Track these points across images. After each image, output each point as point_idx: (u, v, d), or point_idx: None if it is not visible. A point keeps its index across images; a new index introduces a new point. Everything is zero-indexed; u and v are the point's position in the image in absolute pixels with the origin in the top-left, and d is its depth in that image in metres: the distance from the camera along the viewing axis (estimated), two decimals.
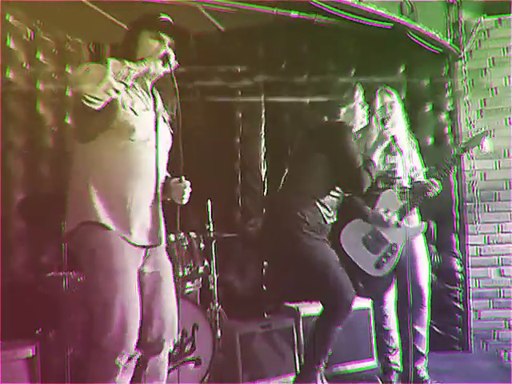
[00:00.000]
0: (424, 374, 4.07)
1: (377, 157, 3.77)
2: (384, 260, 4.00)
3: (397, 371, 4.16)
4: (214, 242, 4.66)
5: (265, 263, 5.39)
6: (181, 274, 4.24)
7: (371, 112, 3.97)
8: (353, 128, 3.80)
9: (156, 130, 2.81)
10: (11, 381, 3.38)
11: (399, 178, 4.08)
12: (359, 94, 3.84)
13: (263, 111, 5.60)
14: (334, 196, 3.73)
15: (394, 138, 3.81)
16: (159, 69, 2.74)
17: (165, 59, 2.73)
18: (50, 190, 4.64)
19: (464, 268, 5.21)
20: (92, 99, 2.48)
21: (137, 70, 2.63)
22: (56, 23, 4.73)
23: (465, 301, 5.20)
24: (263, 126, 5.60)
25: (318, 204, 3.66)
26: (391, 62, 5.35)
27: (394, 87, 4.31)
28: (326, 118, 3.96)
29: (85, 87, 2.47)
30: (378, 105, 4.02)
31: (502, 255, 5.19)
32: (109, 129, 2.67)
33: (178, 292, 4.11)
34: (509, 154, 5.22)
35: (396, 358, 4.16)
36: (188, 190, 2.84)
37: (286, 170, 4.06)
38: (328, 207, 3.70)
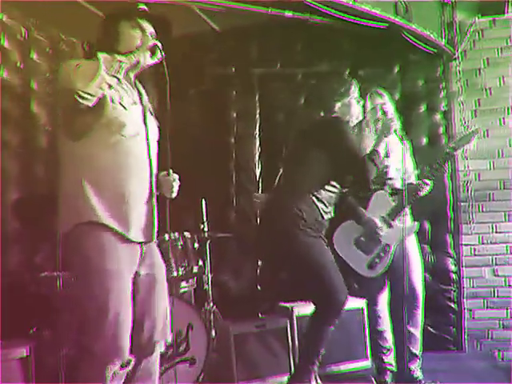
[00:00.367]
0: (418, 374, 4.09)
1: (382, 148, 3.76)
2: (377, 261, 4.02)
3: (391, 371, 4.17)
4: (209, 241, 4.67)
5: (259, 263, 5.40)
6: (175, 273, 4.23)
7: (363, 112, 4.00)
8: (349, 123, 3.81)
9: (145, 123, 2.80)
10: (5, 381, 3.38)
11: (391, 179, 4.09)
12: (355, 90, 3.85)
13: (258, 111, 5.60)
14: (330, 191, 3.73)
15: (396, 132, 3.83)
16: (148, 60, 2.73)
17: (153, 50, 2.72)
18: (45, 189, 4.63)
19: (458, 268, 5.23)
20: (86, 95, 2.46)
21: (128, 63, 2.63)
22: (50, 22, 4.72)
23: (459, 301, 5.22)
24: (258, 125, 5.60)
25: (314, 199, 3.65)
26: (386, 62, 5.37)
27: (389, 87, 4.33)
28: (321, 114, 3.96)
29: (78, 83, 2.45)
30: (369, 107, 4.04)
31: (497, 255, 5.21)
32: (99, 125, 2.63)
33: (173, 292, 4.15)
34: (503, 155, 5.23)
35: (390, 358, 4.18)
36: (177, 184, 2.84)
37: (281, 170, 4.06)
38: (325, 202, 3.69)
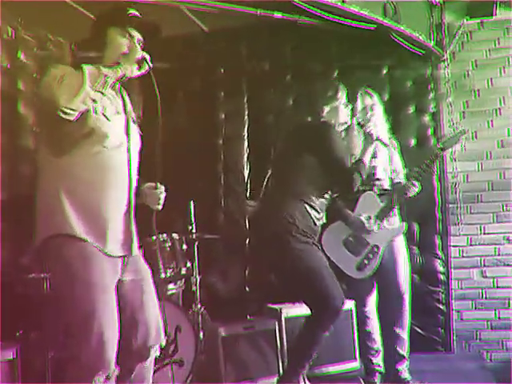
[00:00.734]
0: (406, 375, 4.10)
1: (367, 158, 3.78)
2: (366, 262, 4.02)
3: (379, 372, 4.18)
4: (197, 243, 4.67)
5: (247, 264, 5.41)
6: (163, 275, 4.24)
7: (353, 113, 4.00)
8: (336, 127, 3.82)
9: (128, 133, 2.73)
10: None
11: (379, 179, 4.11)
12: (342, 94, 3.85)
13: (246, 112, 5.61)
14: (323, 197, 3.73)
15: (379, 139, 3.84)
16: (135, 72, 2.66)
17: (141, 63, 2.66)
18: (31, 190, 4.61)
19: (446, 269, 5.25)
20: (68, 111, 2.41)
21: (113, 77, 2.56)
22: (37, 22, 4.71)
23: (447, 302, 5.23)
24: (246, 127, 5.60)
25: (307, 206, 3.64)
26: (374, 64, 5.38)
27: (377, 88, 4.35)
28: (309, 118, 3.96)
29: (61, 99, 2.39)
30: (360, 107, 4.05)
31: (485, 256, 5.23)
32: (80, 136, 2.57)
33: (161, 294, 4.14)
34: (491, 156, 5.27)
35: (379, 360, 4.19)
36: (163, 196, 2.80)
37: (269, 172, 4.06)
38: (317, 209, 3.69)
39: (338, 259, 4.00)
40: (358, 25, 4.57)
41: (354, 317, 4.41)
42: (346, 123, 3.89)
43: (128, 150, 2.72)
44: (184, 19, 4.90)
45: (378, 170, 4.10)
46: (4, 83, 4.51)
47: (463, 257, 5.26)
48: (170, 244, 4.34)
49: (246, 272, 5.41)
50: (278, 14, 4.58)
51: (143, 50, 2.72)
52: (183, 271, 4.37)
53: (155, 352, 2.83)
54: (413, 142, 5.34)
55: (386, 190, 4.09)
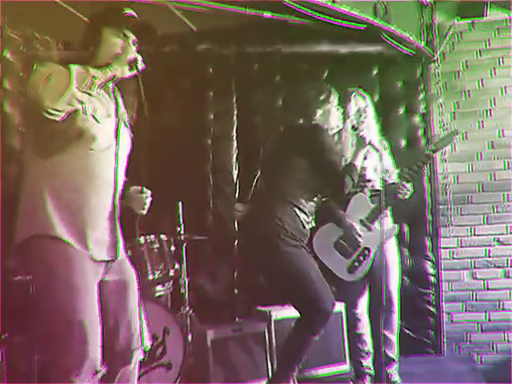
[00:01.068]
0: (396, 378, 4.12)
1: (359, 161, 3.79)
2: (356, 264, 4.03)
3: (370, 375, 4.19)
4: (185, 244, 4.66)
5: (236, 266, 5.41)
6: (151, 277, 4.23)
7: (346, 116, 4.01)
8: (328, 131, 3.83)
9: (117, 136, 2.71)
10: None
11: (369, 180, 4.12)
12: (334, 98, 3.86)
13: (235, 112, 5.61)
14: (312, 201, 3.74)
15: (371, 144, 3.85)
16: (126, 74, 2.63)
17: (132, 64, 2.63)
18: (16, 191, 4.59)
19: (437, 271, 5.27)
20: (53, 111, 2.39)
21: (102, 78, 2.53)
22: (24, 20, 4.69)
23: (437, 304, 5.25)
24: (235, 127, 5.60)
25: (296, 210, 3.65)
26: (364, 64, 5.39)
27: (367, 89, 4.36)
28: (301, 121, 3.97)
29: (46, 100, 2.37)
30: (353, 109, 4.06)
31: (475, 258, 5.27)
32: (68, 137, 2.55)
33: (149, 296, 4.14)
34: (482, 157, 5.30)
35: (369, 362, 4.20)
36: (149, 200, 2.79)
37: (259, 172, 4.06)
38: (307, 212, 3.69)
39: (329, 262, 4.01)
40: (348, 25, 4.57)
41: (344, 319, 4.41)
42: (337, 126, 3.90)
43: (116, 154, 2.70)
44: (172, 18, 4.88)
45: (368, 171, 4.11)
46: None
47: (453, 258, 5.29)
48: (157, 245, 4.34)
49: (235, 274, 5.41)
50: (267, 14, 4.58)
51: (138, 50, 2.72)
52: (171, 273, 4.37)
53: (139, 355, 2.81)
54: (403, 142, 5.36)
55: (377, 191, 4.10)
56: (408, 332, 5.05)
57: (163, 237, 4.39)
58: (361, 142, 3.82)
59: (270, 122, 5.36)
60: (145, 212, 2.81)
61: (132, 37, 2.71)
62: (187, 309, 4.58)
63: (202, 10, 4.32)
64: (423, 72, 5.38)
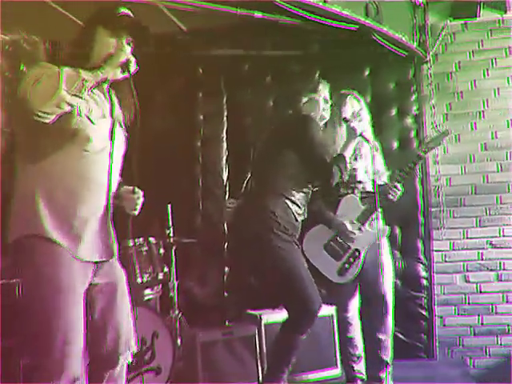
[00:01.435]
0: (389, 382, 4.13)
1: (348, 153, 3.82)
2: (347, 266, 4.05)
3: (361, 379, 4.20)
4: (175, 247, 4.67)
5: (226, 269, 5.41)
6: (140, 280, 4.24)
7: (338, 115, 4.04)
8: (317, 121, 3.85)
9: (112, 137, 2.72)
10: None
11: (360, 182, 4.14)
12: (323, 89, 3.90)
13: (225, 113, 5.62)
14: (303, 191, 3.77)
15: (362, 135, 3.87)
16: (118, 76, 2.63)
17: (124, 66, 2.63)
18: (8, 191, 4.58)
19: (429, 274, 5.28)
20: (42, 114, 2.40)
21: (93, 80, 2.53)
22: (11, 19, 4.69)
23: (430, 307, 5.26)
24: (225, 128, 5.62)
25: (288, 202, 3.68)
26: (356, 65, 5.43)
27: (359, 90, 4.39)
28: (290, 111, 3.99)
29: (34, 103, 2.38)
30: (349, 112, 4.08)
31: (468, 261, 5.29)
32: (62, 139, 2.57)
33: (137, 299, 4.14)
34: (474, 159, 5.33)
35: (360, 366, 4.21)
36: (140, 201, 2.80)
37: (249, 174, 4.08)
38: (298, 204, 3.72)
39: (319, 263, 4.03)
40: (339, 25, 4.59)
41: (335, 322, 4.43)
42: (324, 118, 3.93)
43: (110, 155, 2.71)
44: (162, 18, 4.89)
45: (359, 173, 4.13)
46: None
47: (446, 261, 5.31)
48: (146, 248, 4.34)
49: (225, 277, 5.42)
50: (258, 14, 4.59)
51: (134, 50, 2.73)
52: (160, 276, 4.38)
53: (126, 359, 2.82)
54: (395, 144, 5.38)
55: (368, 192, 4.12)
56: (400, 336, 5.05)
57: (152, 240, 4.40)
58: (351, 133, 3.85)
59: (261, 122, 5.37)
60: (136, 213, 2.82)
61: (126, 37, 2.71)
62: (176, 312, 4.58)
63: (193, 10, 4.33)
64: (415, 73, 5.41)
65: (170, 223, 4.70)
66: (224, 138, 5.61)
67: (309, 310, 3.58)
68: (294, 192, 3.71)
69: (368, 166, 4.14)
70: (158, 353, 4.01)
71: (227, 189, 5.54)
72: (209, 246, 5.35)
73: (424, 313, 5.27)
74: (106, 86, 2.77)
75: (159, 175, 5.10)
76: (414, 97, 5.41)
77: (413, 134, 5.39)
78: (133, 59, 2.67)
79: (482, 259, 5.27)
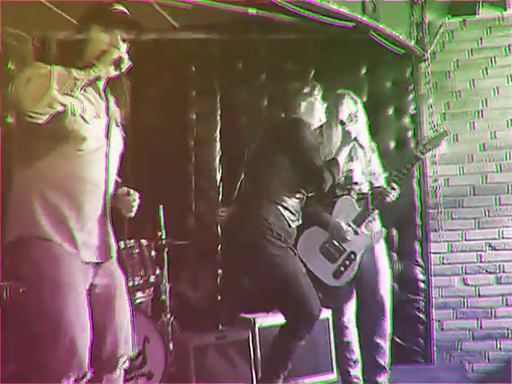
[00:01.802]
0: None
1: (342, 157, 3.82)
2: (342, 269, 4.04)
3: None
4: (167, 249, 4.66)
5: (220, 271, 5.40)
6: (131, 283, 4.22)
7: (335, 115, 4.04)
8: (311, 125, 3.85)
9: (108, 137, 2.74)
10: None
11: (356, 183, 4.14)
12: (319, 92, 3.90)
13: (219, 113, 5.61)
14: (296, 197, 3.76)
15: (356, 139, 3.87)
16: (111, 73, 2.65)
17: (117, 64, 2.64)
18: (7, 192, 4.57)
19: (427, 277, 5.28)
20: (34, 114, 2.41)
21: (85, 79, 2.54)
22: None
23: (427, 311, 5.26)
24: (219, 127, 5.61)
25: (280, 208, 3.68)
26: (353, 63, 5.42)
27: (355, 89, 4.38)
28: (283, 114, 3.99)
29: (25, 103, 2.39)
30: (345, 113, 4.08)
31: (466, 264, 5.28)
32: (56, 139, 2.58)
33: (129, 303, 4.12)
34: (473, 160, 5.33)
35: (357, 371, 4.21)
36: (136, 203, 2.82)
37: (243, 175, 4.07)
38: (292, 210, 3.72)
39: (314, 266, 4.03)
40: (336, 22, 4.59)
41: (331, 326, 4.42)
42: (320, 121, 3.93)
43: (107, 155, 2.73)
44: (154, 15, 4.88)
45: (355, 174, 4.13)
46: None
47: (444, 264, 5.30)
48: (138, 250, 4.34)
49: (218, 279, 5.41)
50: (252, 11, 4.59)
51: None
52: (152, 279, 4.37)
53: (124, 363, 2.83)
54: (392, 144, 5.38)
55: (364, 194, 4.11)
56: (397, 340, 5.05)
57: (144, 242, 4.40)
58: (346, 136, 3.85)
59: (255, 122, 5.37)
60: (132, 215, 2.83)
61: (120, 34, 2.72)
62: (168, 316, 4.58)
63: (185, 7, 4.32)
64: (413, 71, 5.41)
65: (162, 225, 4.69)
66: (217, 138, 5.59)
67: (307, 315, 3.57)
68: (286, 198, 3.71)
69: (364, 167, 4.14)
70: (149, 358, 3.99)
71: (221, 190, 5.53)
72: (202, 248, 5.34)
73: (421, 316, 5.26)
74: (101, 85, 2.78)
75: (151, 176, 5.08)
76: (411, 96, 5.41)
77: (410, 133, 5.39)
78: (126, 57, 2.68)
79: (481, 262, 5.26)
